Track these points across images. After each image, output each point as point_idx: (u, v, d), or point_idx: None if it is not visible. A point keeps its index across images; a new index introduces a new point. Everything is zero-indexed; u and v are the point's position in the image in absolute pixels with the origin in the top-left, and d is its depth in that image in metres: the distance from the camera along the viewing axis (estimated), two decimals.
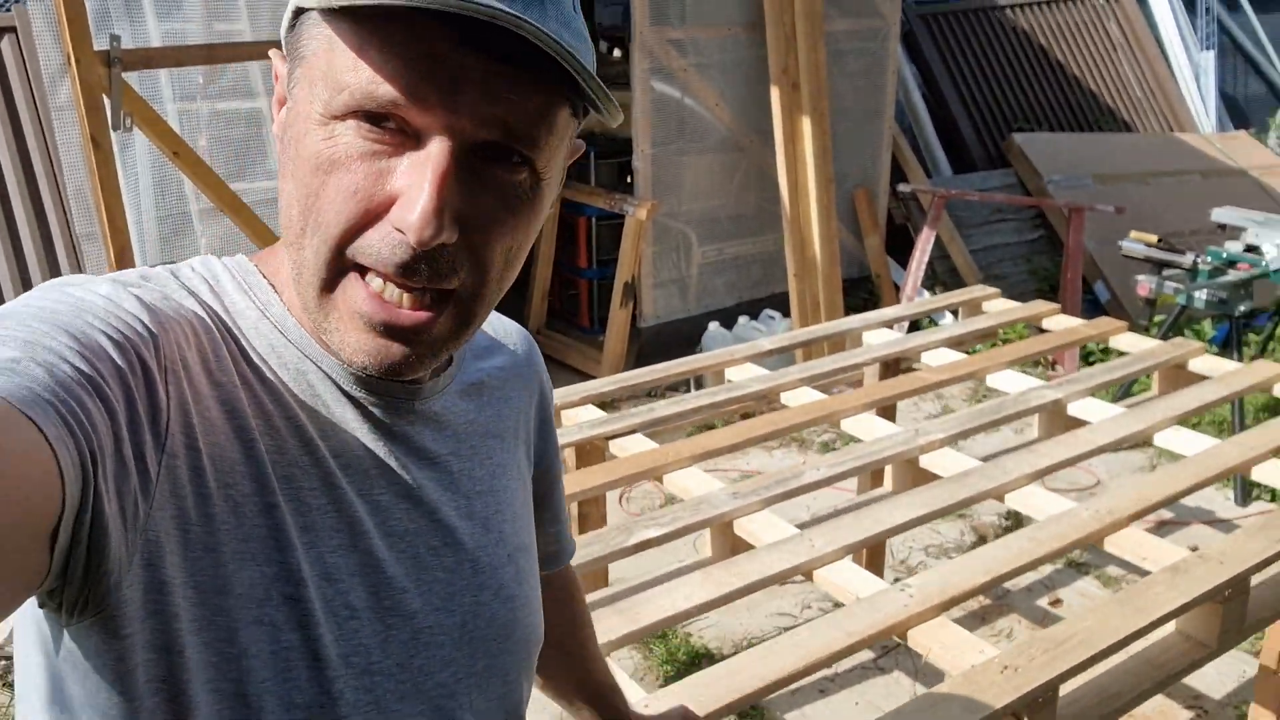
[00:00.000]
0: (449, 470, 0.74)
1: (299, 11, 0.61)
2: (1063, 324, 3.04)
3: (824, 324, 3.04)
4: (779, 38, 4.40)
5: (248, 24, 3.57)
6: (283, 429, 0.65)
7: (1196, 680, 2.66)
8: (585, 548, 1.84)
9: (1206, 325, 4.54)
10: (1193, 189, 6.10)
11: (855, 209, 5.18)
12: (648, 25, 4.33)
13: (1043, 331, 3.33)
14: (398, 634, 0.69)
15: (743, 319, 4.64)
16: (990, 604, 2.98)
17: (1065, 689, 1.61)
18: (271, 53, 0.68)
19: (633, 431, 2.33)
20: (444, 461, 0.74)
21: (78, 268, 3.74)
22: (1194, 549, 1.87)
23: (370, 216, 0.59)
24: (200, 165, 3.25)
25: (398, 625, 0.69)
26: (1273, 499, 3.80)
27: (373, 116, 0.58)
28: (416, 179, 0.58)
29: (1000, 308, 3.15)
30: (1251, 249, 3.93)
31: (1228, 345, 4.26)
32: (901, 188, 5.33)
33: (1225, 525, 3.57)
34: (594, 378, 3.20)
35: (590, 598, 1.80)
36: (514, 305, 5.07)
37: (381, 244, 0.59)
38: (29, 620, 0.63)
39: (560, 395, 2.41)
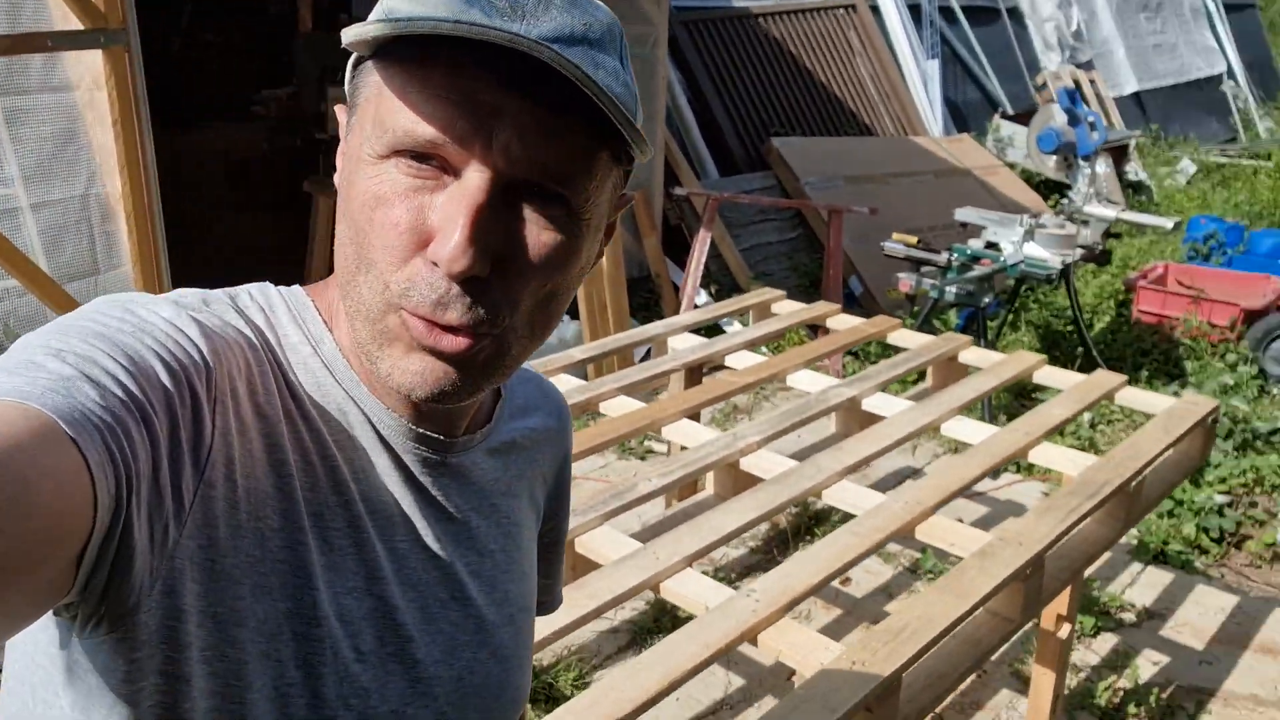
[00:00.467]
0: (467, 526, 0.76)
1: (358, 62, 0.64)
2: (845, 323, 3.24)
3: (630, 331, 3.09)
4: None
5: None
6: (318, 467, 0.67)
7: None
8: None
9: (952, 315, 4.97)
10: (927, 188, 6.66)
11: (633, 211, 5.28)
12: None
13: (818, 330, 3.55)
14: (397, 681, 0.70)
15: None
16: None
17: None
18: (335, 107, 0.70)
19: None
20: (464, 517, 0.76)
21: None
22: (959, 520, 2.04)
23: (412, 250, 0.61)
24: None
25: (398, 673, 0.70)
26: (1018, 470, 4.23)
27: (416, 155, 0.60)
28: (452, 212, 0.59)
29: (789, 309, 3.31)
30: (991, 245, 4.34)
31: (966, 331, 4.70)
32: (676, 190, 5.49)
33: (982, 498, 3.93)
34: None
35: None
36: None
37: (420, 280, 0.60)
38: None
39: None
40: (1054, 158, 4.22)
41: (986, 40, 8.53)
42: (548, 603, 1.01)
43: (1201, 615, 3.36)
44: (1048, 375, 2.87)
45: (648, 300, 5.28)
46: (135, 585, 0.55)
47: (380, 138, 0.60)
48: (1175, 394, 3.41)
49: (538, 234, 0.62)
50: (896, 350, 4.59)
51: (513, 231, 0.61)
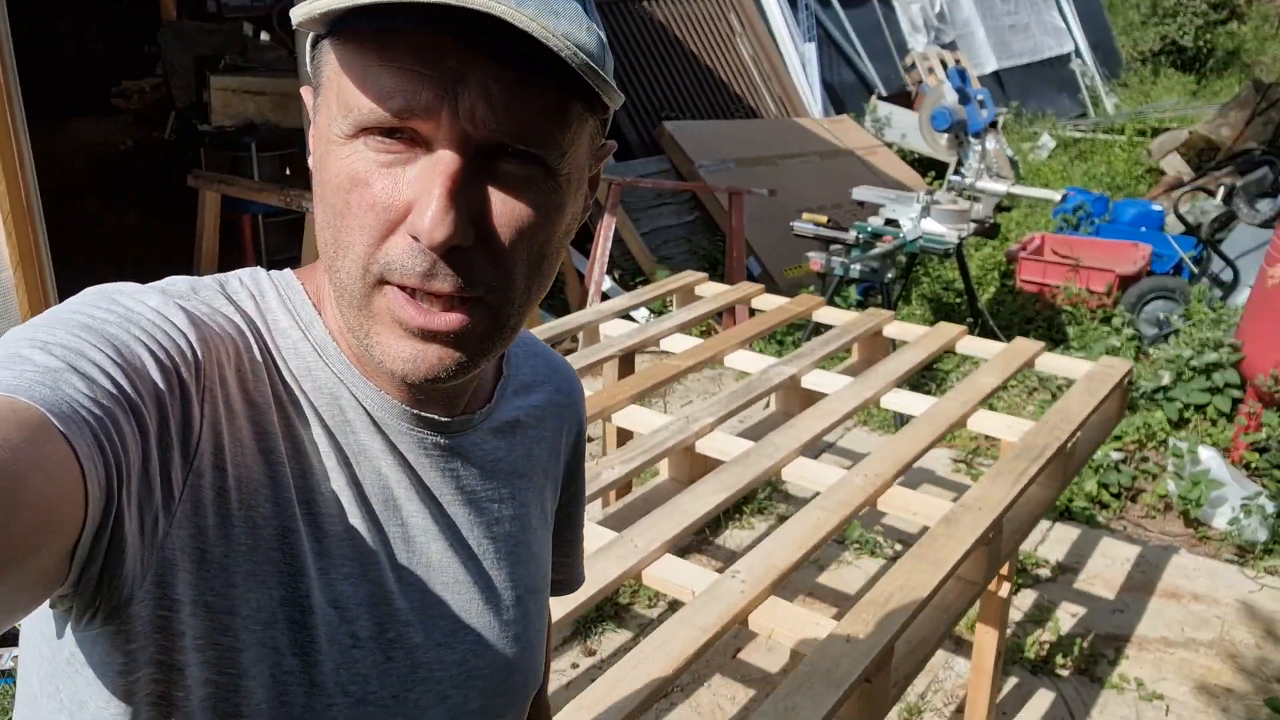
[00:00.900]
0: (469, 507, 0.74)
1: (316, 41, 0.62)
2: (771, 303, 3.28)
3: (562, 319, 3.04)
4: None
5: None
6: (309, 454, 0.66)
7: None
8: None
9: (851, 291, 5.10)
10: (814, 169, 6.80)
11: None
12: None
13: (722, 315, 3.58)
14: (397, 666, 0.69)
15: None
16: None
17: None
18: (302, 90, 0.68)
19: None
20: (465, 499, 0.74)
21: None
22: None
23: (391, 227, 0.59)
24: None
25: (398, 657, 0.69)
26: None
27: (384, 131, 0.58)
28: (426, 184, 0.58)
29: (713, 291, 3.33)
30: (890, 222, 4.46)
31: (864, 305, 4.84)
32: None
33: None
34: None
35: None
36: None
37: (403, 255, 0.59)
38: (36, 613, 0.63)
39: None
40: (946, 135, 4.36)
41: (857, 22, 8.76)
42: (568, 581, 1.01)
43: (1109, 566, 3.56)
44: (970, 345, 2.98)
45: (552, 289, 5.23)
46: (128, 577, 0.54)
47: (345, 117, 0.59)
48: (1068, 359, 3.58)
49: (517, 196, 0.60)
50: (801, 328, 4.68)
51: (492, 196, 0.60)
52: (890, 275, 4.35)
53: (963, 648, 3.05)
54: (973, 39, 10.19)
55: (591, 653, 2.97)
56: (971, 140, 4.66)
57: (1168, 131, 8.51)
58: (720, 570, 1.84)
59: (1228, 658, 3.08)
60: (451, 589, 0.73)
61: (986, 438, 4.24)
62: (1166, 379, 4.32)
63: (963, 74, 4.89)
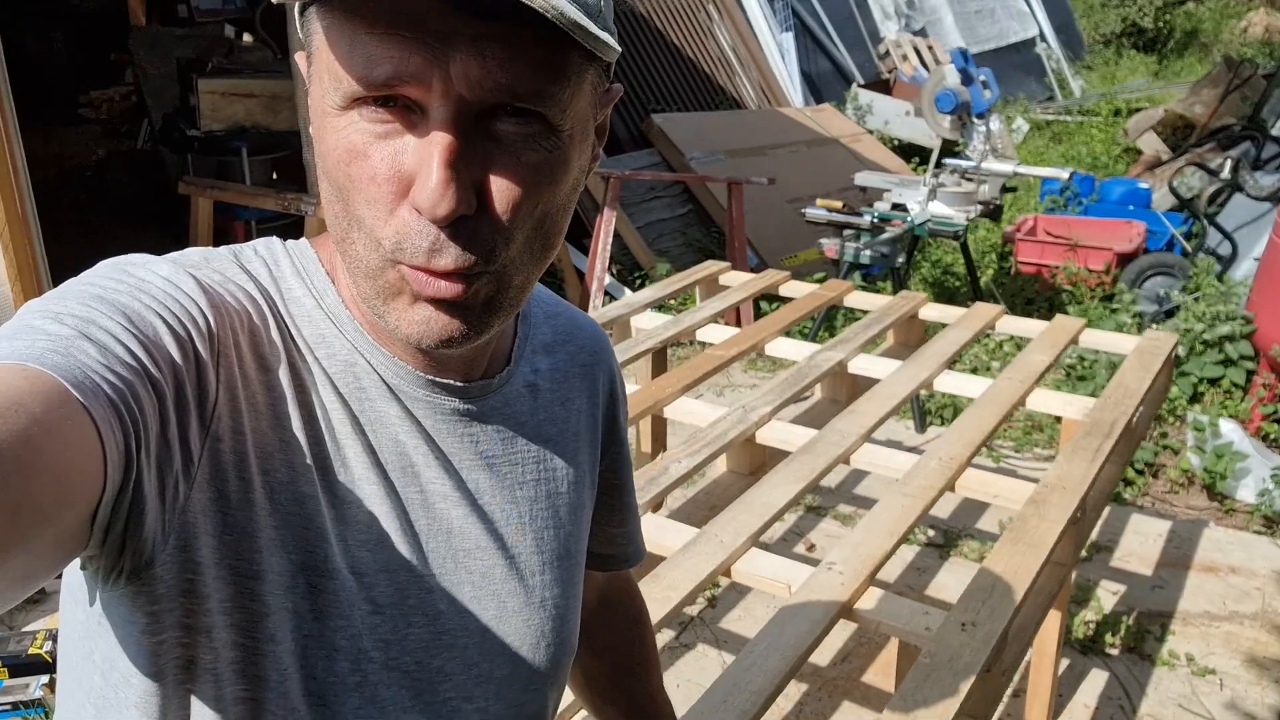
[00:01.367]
0: (489, 472, 0.73)
1: (303, 10, 0.59)
2: (799, 290, 3.21)
3: (592, 315, 2.95)
4: None
5: None
6: (324, 420, 0.65)
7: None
8: None
9: (856, 276, 5.06)
10: (802, 157, 6.76)
11: None
12: None
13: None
14: (418, 633, 0.69)
15: None
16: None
17: None
18: (296, 56, 0.66)
19: None
20: (484, 464, 0.73)
21: None
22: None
23: (396, 199, 0.58)
24: None
25: (420, 624, 0.69)
26: (943, 423, 4.35)
27: (377, 100, 0.57)
28: (425, 155, 0.56)
29: (738, 280, 3.25)
30: (898, 207, 4.42)
31: (872, 289, 4.79)
32: None
33: (916, 451, 4.01)
34: None
35: None
36: None
37: (409, 233, 0.58)
38: (71, 577, 0.65)
39: None
40: (950, 117, 4.33)
41: (831, 11, 8.74)
42: (623, 555, 0.97)
43: (1142, 543, 3.53)
44: (1009, 324, 2.93)
45: (551, 285, 5.14)
46: (149, 539, 0.55)
47: (337, 89, 0.57)
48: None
49: (519, 155, 0.59)
50: (811, 317, 4.62)
51: (493, 158, 0.58)
52: (901, 259, 4.30)
53: None
54: (941, 24, 10.23)
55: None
56: (975, 121, 4.64)
57: (1142, 111, 8.58)
58: (814, 563, 1.77)
59: (1274, 629, 3.07)
60: (473, 555, 0.72)
61: (1029, 419, 4.22)
62: (1180, 352, 4.31)
63: (965, 54, 4.85)
